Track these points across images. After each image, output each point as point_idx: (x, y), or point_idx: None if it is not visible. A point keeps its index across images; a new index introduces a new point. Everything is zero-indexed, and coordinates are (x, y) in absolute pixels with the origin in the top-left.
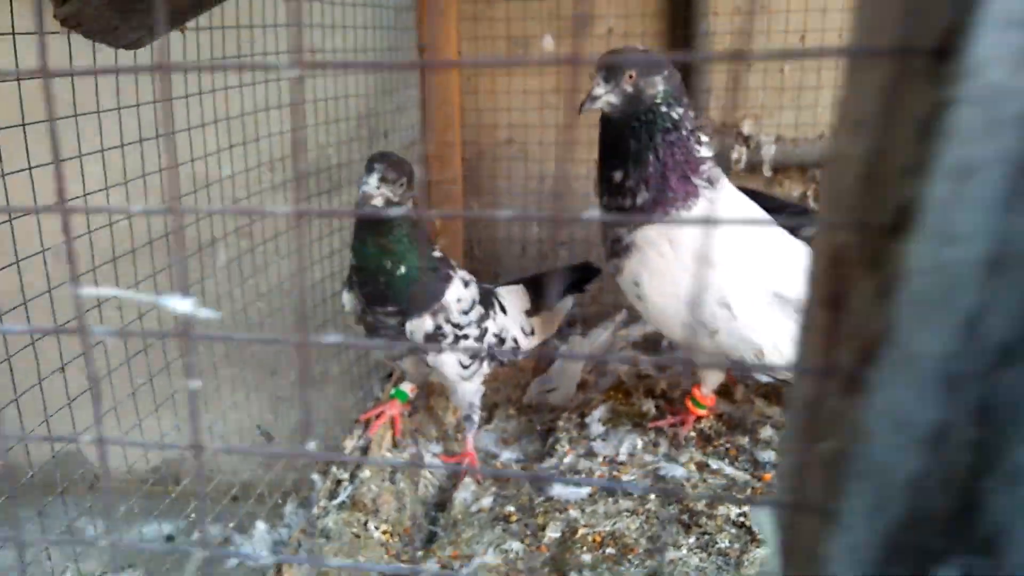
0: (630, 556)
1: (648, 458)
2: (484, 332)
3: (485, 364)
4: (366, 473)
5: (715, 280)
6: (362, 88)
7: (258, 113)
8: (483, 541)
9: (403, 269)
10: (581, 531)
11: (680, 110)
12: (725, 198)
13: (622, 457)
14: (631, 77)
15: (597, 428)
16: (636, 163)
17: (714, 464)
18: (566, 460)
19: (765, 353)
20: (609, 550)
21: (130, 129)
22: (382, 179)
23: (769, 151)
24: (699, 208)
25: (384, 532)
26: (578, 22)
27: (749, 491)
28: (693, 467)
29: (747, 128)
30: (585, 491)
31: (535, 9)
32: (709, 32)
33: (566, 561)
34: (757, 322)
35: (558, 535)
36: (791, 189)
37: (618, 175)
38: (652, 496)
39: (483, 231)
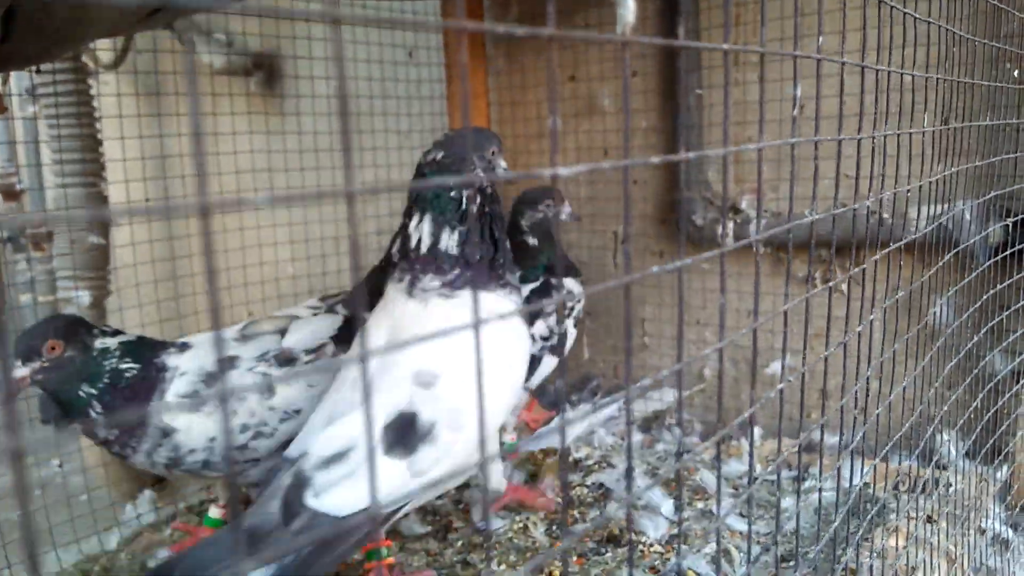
0: None
1: None
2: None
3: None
4: None
5: None
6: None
7: None
8: None
9: None
10: None
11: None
12: None
13: None
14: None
15: None
16: None
17: None
18: None
19: None
20: None
21: None
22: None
23: (752, 227)
24: None
25: None
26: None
27: None
28: None
29: (745, 203)
30: None
31: (558, 92)
32: (703, 93)
33: None
34: None
35: None
36: (797, 269)
37: None
38: None
39: None
